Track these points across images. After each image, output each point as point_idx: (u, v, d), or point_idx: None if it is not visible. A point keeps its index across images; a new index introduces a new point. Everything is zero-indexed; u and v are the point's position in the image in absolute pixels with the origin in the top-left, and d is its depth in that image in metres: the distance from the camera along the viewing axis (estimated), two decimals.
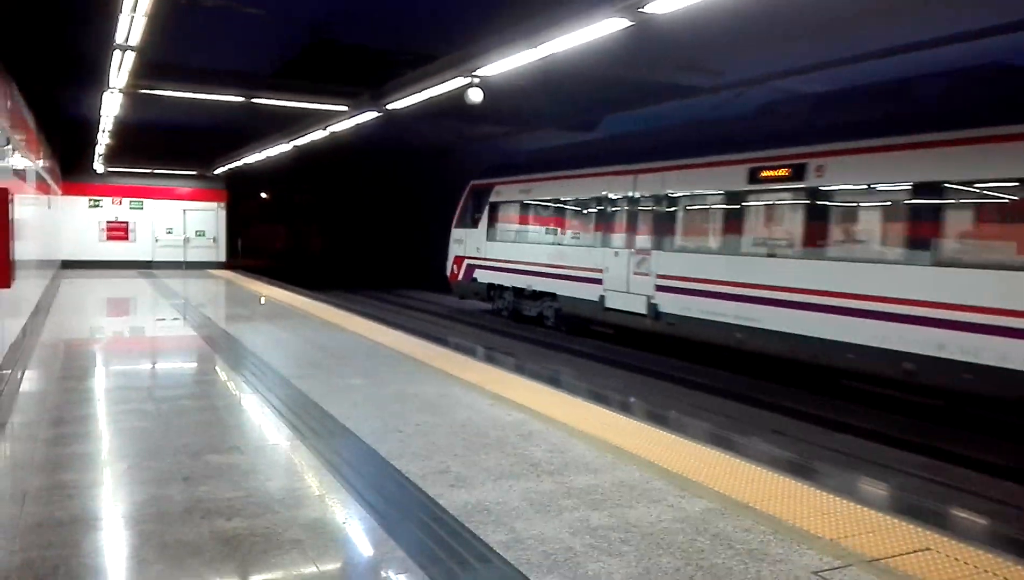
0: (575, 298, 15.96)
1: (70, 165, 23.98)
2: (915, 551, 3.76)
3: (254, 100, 11.82)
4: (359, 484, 4.55)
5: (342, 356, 9.23)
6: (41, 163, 14.14)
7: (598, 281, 15.22)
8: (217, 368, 8.52)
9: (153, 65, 9.52)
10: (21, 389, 7.16)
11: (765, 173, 11.77)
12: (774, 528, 4.03)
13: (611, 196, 15.13)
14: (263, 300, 16.60)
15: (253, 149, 20.53)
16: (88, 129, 18.11)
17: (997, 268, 8.70)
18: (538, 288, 17.31)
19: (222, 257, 28.00)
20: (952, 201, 9.38)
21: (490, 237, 19.28)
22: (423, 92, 9.92)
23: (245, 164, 23.45)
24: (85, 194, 26.02)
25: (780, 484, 4.72)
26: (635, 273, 14.27)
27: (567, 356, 14.23)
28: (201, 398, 6.93)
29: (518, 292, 18.26)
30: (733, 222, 12.36)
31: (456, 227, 20.68)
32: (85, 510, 4.07)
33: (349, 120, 13.15)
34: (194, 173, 27.40)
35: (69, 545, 3.62)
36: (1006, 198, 8.95)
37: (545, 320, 17.39)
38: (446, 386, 7.53)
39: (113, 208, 26.52)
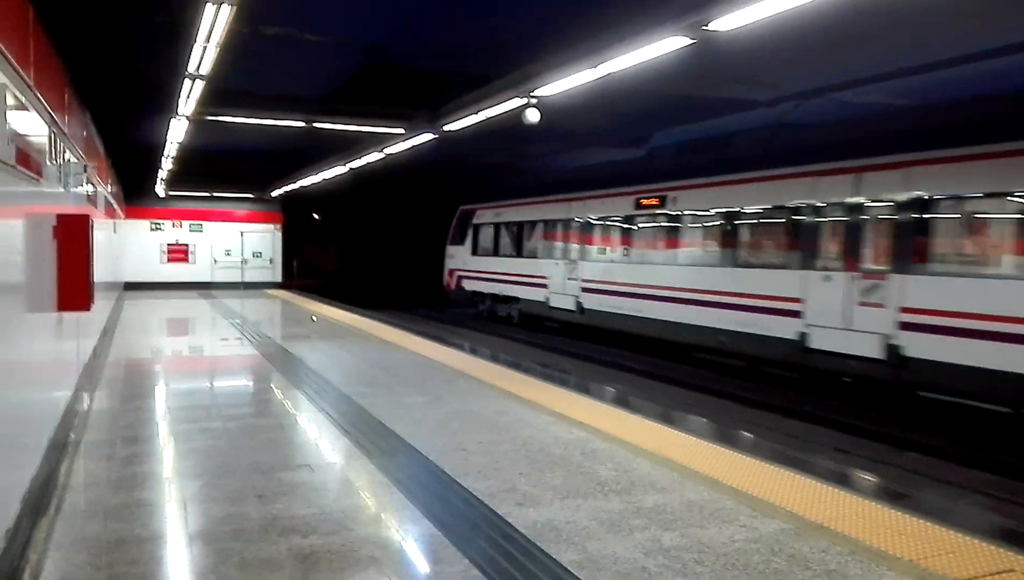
0: (531, 300, 20.31)
1: (133, 189, 24.72)
2: (999, 572, 3.65)
3: (315, 124, 12.08)
4: (428, 502, 4.59)
5: (399, 374, 9.32)
6: (109, 188, 14.63)
7: (544, 286, 19.52)
8: (280, 386, 8.67)
9: (218, 92, 9.79)
10: (93, 408, 7.38)
11: (644, 201, 16.15)
12: (851, 549, 3.94)
13: (551, 218, 19.60)
14: (315, 318, 16.87)
15: (309, 172, 20.95)
16: (151, 154, 18.65)
17: (770, 268, 12.94)
18: (506, 293, 21.69)
19: (278, 277, 28.55)
20: (741, 222, 13.73)
21: (473, 253, 23.69)
22: (480, 113, 10.04)
23: (300, 186, 23.92)
24: (147, 218, 26.80)
25: (853, 504, 4.63)
26: (568, 279, 18.46)
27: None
28: (267, 416, 7.07)
29: (494, 297, 22.55)
30: (626, 238, 16.78)
31: (449, 245, 25.34)
32: (165, 527, 4.18)
33: (405, 142, 13.34)
34: (251, 196, 28.03)
35: (153, 562, 3.73)
36: (773, 221, 13.19)
37: (512, 318, 21.66)
38: (504, 403, 7.55)
39: (174, 231, 27.26)
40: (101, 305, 11.95)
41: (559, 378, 9.03)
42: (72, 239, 5.31)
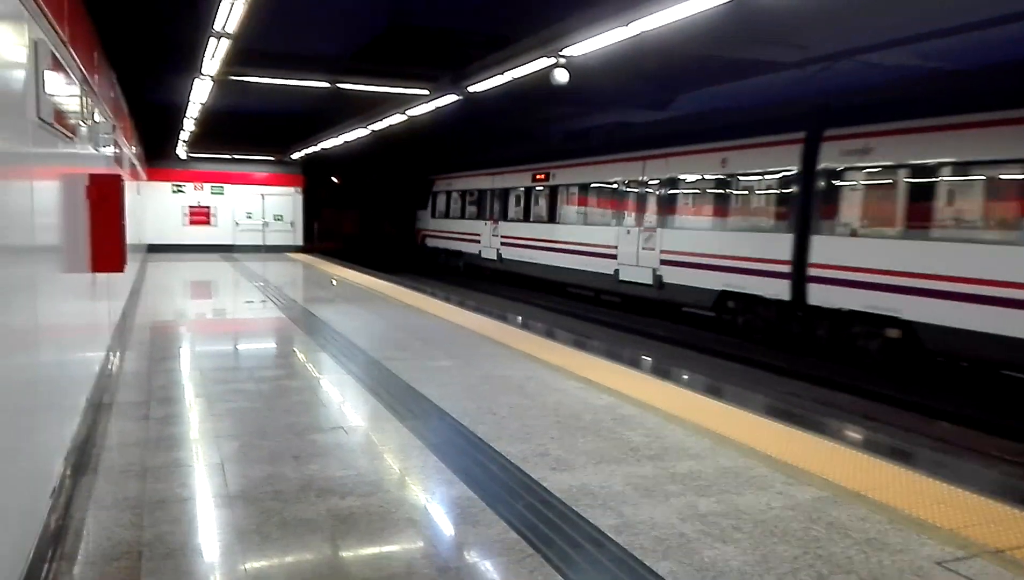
0: (470, 253, 25.58)
1: (154, 151, 24.76)
2: None
3: (339, 85, 11.97)
4: (462, 465, 4.60)
5: (425, 338, 9.34)
6: (133, 150, 14.65)
7: (478, 241, 24.88)
8: (307, 349, 8.71)
9: (242, 52, 9.71)
10: (126, 369, 7.45)
11: (538, 176, 21.48)
12: (889, 517, 3.92)
13: (481, 188, 24.93)
14: (335, 281, 16.93)
15: (330, 134, 20.87)
16: (174, 115, 18.65)
17: (602, 225, 18.46)
18: (454, 249, 27.08)
19: (299, 241, 28.63)
20: (589, 192, 19.30)
21: (432, 215, 29.37)
22: (506, 73, 9.89)
23: (322, 149, 23.86)
24: (169, 180, 26.89)
25: (889, 472, 4.60)
26: (492, 236, 23.96)
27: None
28: (297, 378, 7.11)
29: (446, 251, 27.92)
30: (527, 204, 22.11)
31: (417, 210, 31.17)
32: (205, 487, 4.21)
33: (428, 104, 13.22)
34: (272, 158, 28.01)
35: (196, 521, 3.77)
36: (604, 191, 18.72)
37: (460, 268, 26.86)
38: (531, 368, 7.55)
39: (195, 193, 27.35)
40: (129, 267, 12.03)
41: (584, 343, 8.99)
42: (105, 200, 5.32)
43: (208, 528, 3.70)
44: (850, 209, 11.87)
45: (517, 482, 4.35)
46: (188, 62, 10.82)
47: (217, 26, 7.63)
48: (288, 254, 26.92)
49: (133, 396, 6.32)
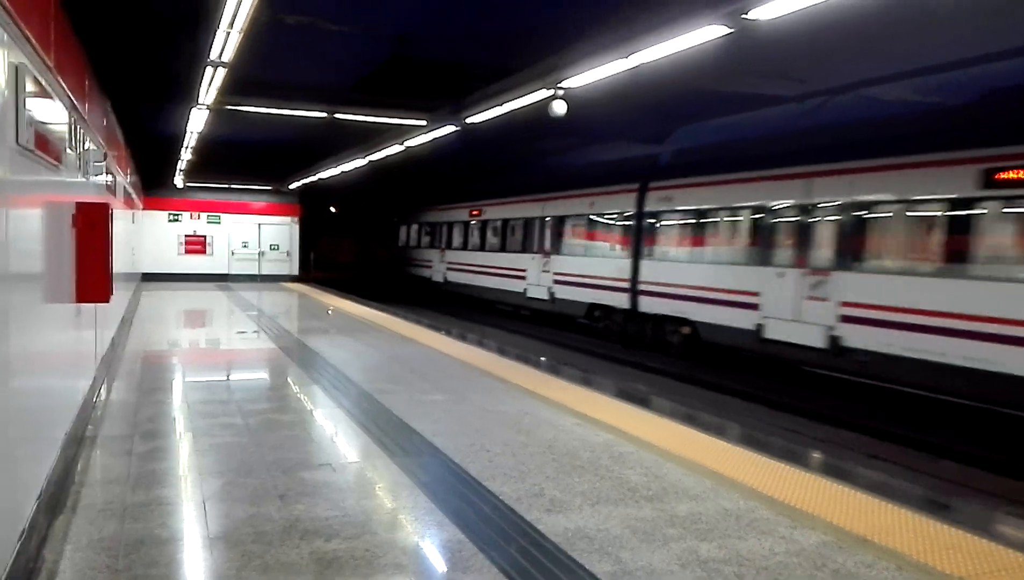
0: (423, 277, 29.95)
1: (151, 180, 24.72)
2: None
3: (336, 116, 11.93)
4: (454, 506, 4.44)
5: (419, 370, 9.18)
6: (128, 178, 14.57)
7: (430, 267, 29.19)
8: (299, 382, 8.56)
9: (239, 82, 9.67)
10: (112, 401, 7.28)
11: (474, 213, 25.29)
12: (898, 564, 3.76)
13: (431, 221, 29.64)
14: (330, 311, 16.79)
15: (328, 164, 20.84)
16: (170, 145, 18.62)
17: (515, 252, 21.96)
18: (414, 273, 31.31)
19: (295, 270, 28.51)
20: (507, 226, 22.74)
21: (396, 244, 34.85)
22: (505, 105, 9.85)
23: (319, 179, 23.83)
24: (165, 209, 26.80)
25: (896, 515, 4.44)
26: (439, 262, 28.22)
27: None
28: (287, 412, 6.95)
29: (407, 274, 32.28)
30: (470, 236, 25.47)
31: (390, 242, 35.77)
32: (185, 528, 4.04)
33: (427, 134, 13.18)
34: (269, 188, 27.98)
35: (173, 564, 3.60)
36: (517, 225, 22.19)
37: (426, 283, 29.98)
38: (527, 403, 7.40)
39: (192, 222, 27.25)
40: (120, 296, 11.89)
41: (581, 378, 8.84)
42: (92, 228, 5.20)
43: (186, 572, 3.53)
44: (663, 240, 16.04)
45: (510, 524, 4.18)
46: (185, 91, 10.77)
47: (214, 55, 7.57)
48: (283, 284, 26.78)
49: (117, 429, 6.15)
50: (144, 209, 25.03)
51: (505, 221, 23.12)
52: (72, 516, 4.17)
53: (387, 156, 16.49)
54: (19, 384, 3.51)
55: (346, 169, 20.38)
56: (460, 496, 4.63)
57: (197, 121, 12.71)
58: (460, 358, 10.07)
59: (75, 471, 4.94)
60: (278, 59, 10.55)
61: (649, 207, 16.19)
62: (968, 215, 9.87)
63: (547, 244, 20.42)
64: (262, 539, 3.86)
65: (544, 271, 20.35)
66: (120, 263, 11.58)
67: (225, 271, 27.40)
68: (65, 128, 4.95)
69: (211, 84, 9.27)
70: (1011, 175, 9.49)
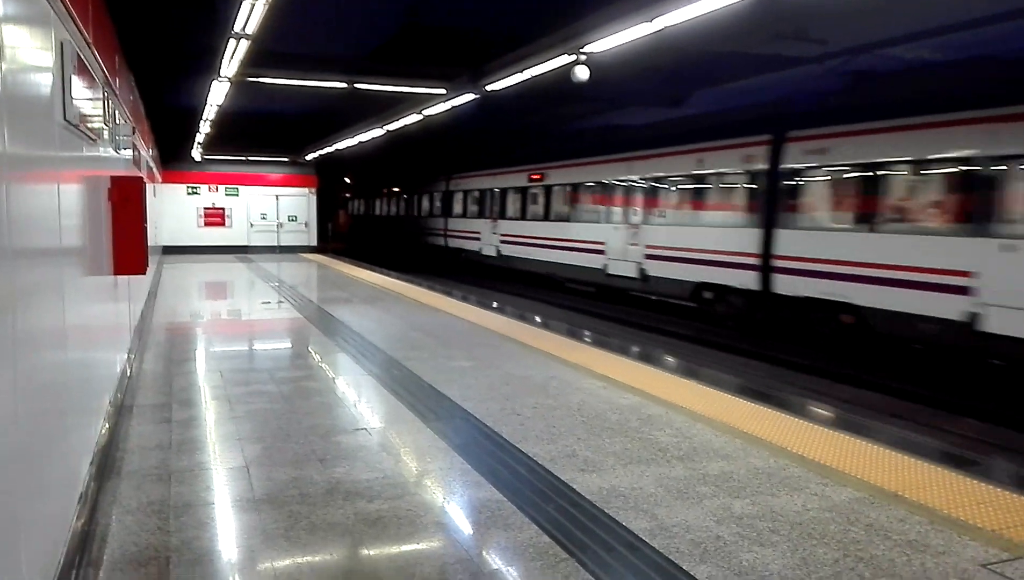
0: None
1: (170, 153, 24.85)
2: None
3: (355, 85, 11.93)
4: (490, 467, 4.54)
5: (443, 337, 9.28)
6: (150, 152, 14.67)
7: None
8: (326, 349, 8.68)
9: (260, 53, 9.68)
10: (144, 371, 7.43)
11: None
12: (930, 518, 3.83)
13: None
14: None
15: (345, 135, 20.84)
16: (189, 118, 18.69)
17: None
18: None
19: (313, 241, 28.67)
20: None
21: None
22: (525, 71, 9.80)
23: (336, 150, 23.86)
24: (184, 182, 26.96)
25: (925, 471, 4.50)
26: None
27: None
28: (318, 379, 7.07)
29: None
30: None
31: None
32: (231, 491, 4.17)
33: (445, 103, 13.15)
34: (286, 160, 28.05)
35: (222, 526, 3.72)
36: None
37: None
38: (552, 368, 7.48)
39: (210, 195, 27.41)
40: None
41: (603, 342, 8.91)
42: (127, 202, 5.29)
43: (235, 532, 3.66)
44: (455, 207, 25.53)
45: (546, 484, 4.28)
46: (206, 64, 10.80)
47: (237, 28, 7.59)
48: (302, 254, 26.95)
49: (154, 398, 6.29)
50: (163, 182, 25.19)
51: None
52: (120, 481, 4.31)
53: (414, 122, 16.28)
54: (73, 355, 3.62)
55: (363, 140, 20.38)
56: (495, 458, 4.73)
57: (217, 94, 12.76)
58: (482, 324, 10.17)
59: (119, 438, 5.08)
60: (298, 30, 10.55)
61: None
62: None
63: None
64: (306, 500, 3.98)
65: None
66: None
67: (244, 243, 27.60)
68: (101, 103, 5.02)
69: (233, 56, 9.30)
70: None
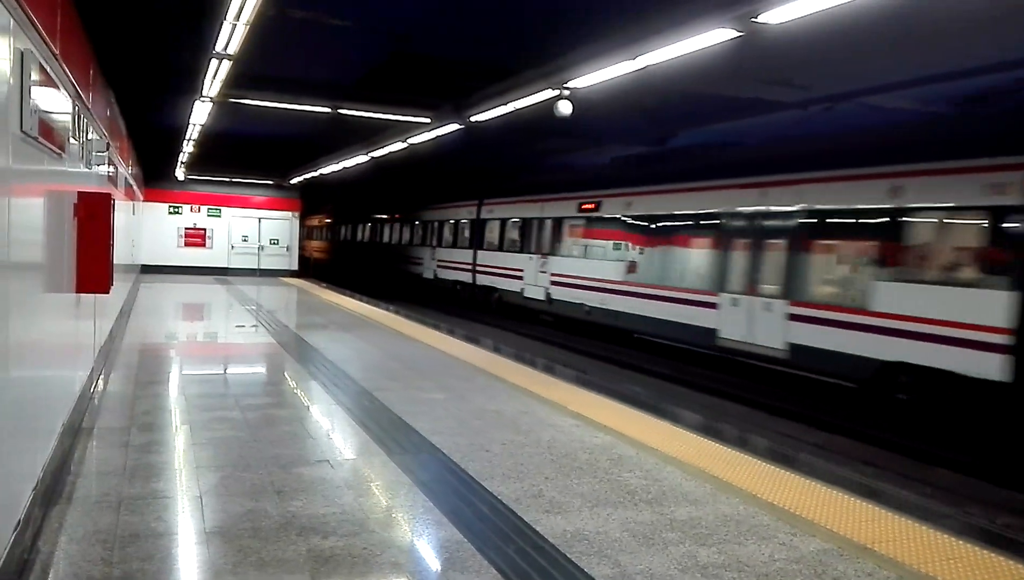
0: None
1: (152, 172, 24.64)
2: None
3: (340, 111, 11.90)
4: (452, 505, 4.41)
5: (418, 368, 9.16)
6: (130, 170, 14.53)
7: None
8: (298, 377, 8.53)
9: (243, 75, 9.65)
10: (109, 392, 7.25)
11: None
12: (899, 574, 3.74)
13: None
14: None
15: (330, 160, 20.79)
16: (172, 137, 18.57)
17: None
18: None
19: (294, 265, 28.46)
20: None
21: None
22: (509, 104, 9.82)
23: (320, 174, 23.79)
24: (166, 201, 26.72)
25: (896, 524, 4.41)
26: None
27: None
28: (285, 407, 6.92)
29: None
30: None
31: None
32: (182, 522, 4.02)
33: (430, 132, 13.14)
34: (270, 182, 27.93)
35: (168, 559, 3.57)
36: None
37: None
38: (525, 403, 7.37)
39: (192, 215, 27.17)
40: (119, 287, 11.84)
41: (577, 378, 8.83)
42: (93, 219, 5.17)
43: (181, 566, 3.51)
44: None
45: (509, 524, 4.16)
46: (189, 83, 10.74)
47: (219, 47, 7.54)
48: (282, 279, 26.75)
49: (114, 421, 6.12)
50: (145, 201, 24.96)
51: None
52: (68, 507, 4.15)
53: (398, 150, 16.20)
54: (17, 374, 3.48)
55: (347, 165, 20.34)
56: (458, 495, 4.60)
57: (200, 114, 12.69)
58: (459, 356, 10.04)
59: (72, 462, 4.91)
60: (283, 54, 10.52)
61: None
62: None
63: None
64: (258, 535, 3.84)
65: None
66: (120, 254, 11.53)
67: (224, 265, 27.33)
68: (69, 117, 4.92)
69: (215, 77, 9.25)
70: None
